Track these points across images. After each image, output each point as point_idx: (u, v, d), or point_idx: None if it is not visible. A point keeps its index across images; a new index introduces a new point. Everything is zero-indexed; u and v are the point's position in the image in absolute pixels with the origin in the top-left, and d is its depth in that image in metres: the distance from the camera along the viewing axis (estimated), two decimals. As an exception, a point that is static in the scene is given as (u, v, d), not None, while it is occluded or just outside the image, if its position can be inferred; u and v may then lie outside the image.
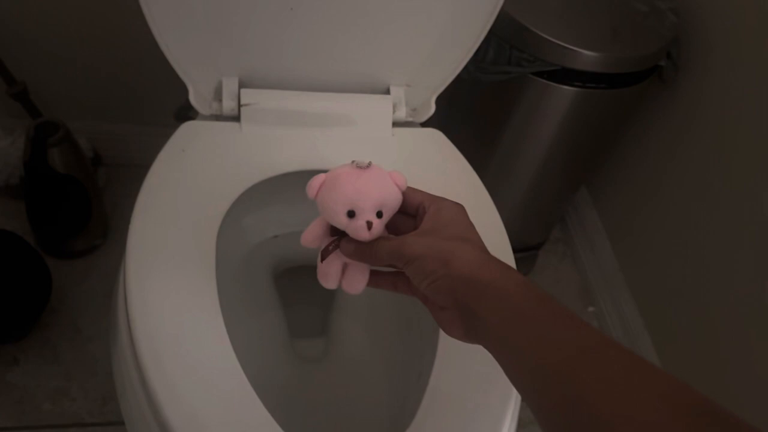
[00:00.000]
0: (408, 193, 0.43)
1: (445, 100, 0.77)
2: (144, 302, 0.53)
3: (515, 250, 0.64)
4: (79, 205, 1.02)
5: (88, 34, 1.04)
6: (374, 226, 0.41)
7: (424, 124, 0.78)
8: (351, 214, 0.41)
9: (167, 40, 0.66)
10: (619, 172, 1.22)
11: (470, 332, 0.38)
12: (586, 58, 0.86)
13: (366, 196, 0.41)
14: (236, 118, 0.71)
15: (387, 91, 0.76)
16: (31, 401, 0.95)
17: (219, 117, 0.72)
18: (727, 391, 0.92)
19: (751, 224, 0.89)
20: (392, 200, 0.42)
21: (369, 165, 0.43)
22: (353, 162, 0.43)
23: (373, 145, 0.73)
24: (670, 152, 1.07)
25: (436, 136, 0.76)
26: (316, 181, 0.43)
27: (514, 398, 0.54)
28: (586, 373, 0.30)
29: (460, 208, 0.42)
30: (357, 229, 0.41)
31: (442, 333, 0.57)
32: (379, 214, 0.42)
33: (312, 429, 0.75)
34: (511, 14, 0.87)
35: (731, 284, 0.93)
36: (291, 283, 0.89)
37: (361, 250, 0.42)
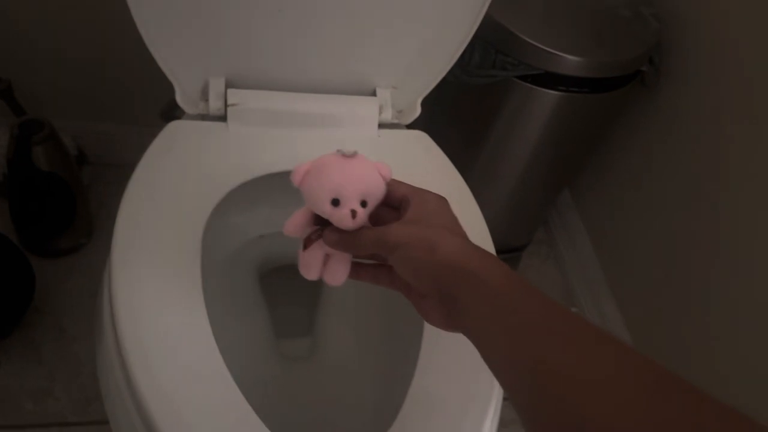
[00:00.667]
0: (392, 185, 0.44)
1: (431, 102, 0.78)
2: (129, 301, 0.53)
3: (499, 252, 0.65)
4: (64, 204, 1.02)
5: (74, 32, 1.04)
6: (358, 215, 0.41)
7: (409, 126, 0.79)
8: (335, 203, 0.41)
9: (155, 39, 0.66)
10: (601, 175, 1.23)
11: (451, 319, 0.39)
12: (570, 62, 0.88)
13: (351, 184, 0.41)
14: (223, 118, 0.71)
15: (374, 93, 0.76)
16: (13, 401, 0.94)
17: (205, 117, 0.72)
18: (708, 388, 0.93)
19: (730, 224, 0.91)
20: (377, 190, 0.43)
21: (355, 154, 0.43)
22: (338, 150, 0.43)
23: (359, 146, 0.73)
24: (650, 155, 1.08)
25: (421, 138, 0.76)
26: (300, 169, 0.43)
27: (496, 398, 0.55)
28: (563, 361, 0.31)
29: (443, 201, 0.43)
30: (341, 218, 0.41)
31: (426, 334, 0.58)
32: (364, 204, 0.42)
33: (296, 428, 0.75)
34: (496, 19, 0.88)
35: (711, 284, 0.95)
36: (277, 283, 0.89)
37: (344, 240, 0.42)
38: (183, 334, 0.52)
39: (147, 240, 0.58)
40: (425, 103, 0.77)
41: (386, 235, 0.39)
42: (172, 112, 0.83)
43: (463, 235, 0.40)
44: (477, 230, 0.66)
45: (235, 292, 0.81)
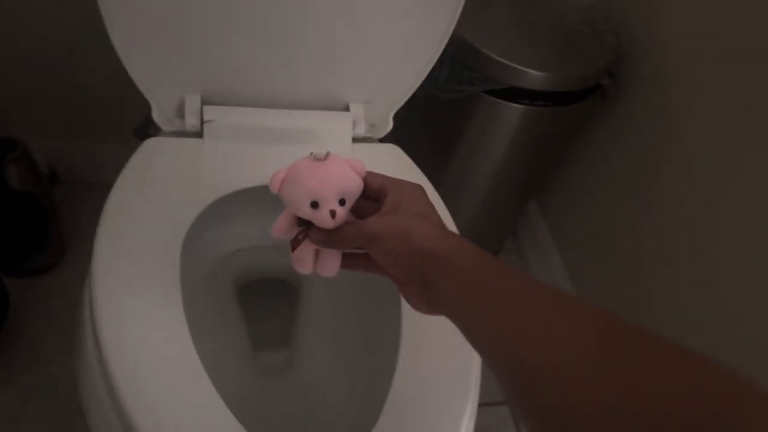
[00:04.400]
0: (369, 178, 0.46)
1: (402, 116, 0.81)
2: (111, 316, 0.54)
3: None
4: (37, 224, 1.01)
5: (46, 48, 1.04)
6: (338, 214, 0.43)
7: (382, 140, 0.81)
8: (315, 205, 0.43)
9: (130, 58, 0.67)
10: (566, 184, 1.27)
11: (431, 303, 0.41)
12: (534, 77, 0.91)
13: (327, 186, 0.43)
14: (199, 134, 0.73)
15: (346, 108, 0.79)
16: (-15, 423, 0.93)
17: (181, 133, 0.73)
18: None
19: (691, 228, 0.96)
20: (353, 187, 0.44)
21: (327, 156, 0.45)
22: (311, 154, 0.45)
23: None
24: (612, 164, 1.13)
25: (394, 151, 0.79)
26: (277, 177, 0.45)
27: (470, 408, 0.57)
28: (528, 322, 0.32)
29: (419, 189, 0.44)
30: (321, 219, 0.43)
31: (403, 344, 0.60)
32: (342, 202, 0.44)
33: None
34: (463, 36, 0.91)
35: (681, 289, 0.99)
36: (254, 296, 0.90)
37: (328, 237, 0.44)
38: (165, 347, 0.53)
39: (127, 255, 0.59)
40: (397, 116, 0.80)
41: (363, 230, 0.41)
42: (145, 129, 0.84)
43: (438, 222, 0.42)
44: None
45: (213, 305, 0.82)
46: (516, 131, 1.00)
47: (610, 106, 1.11)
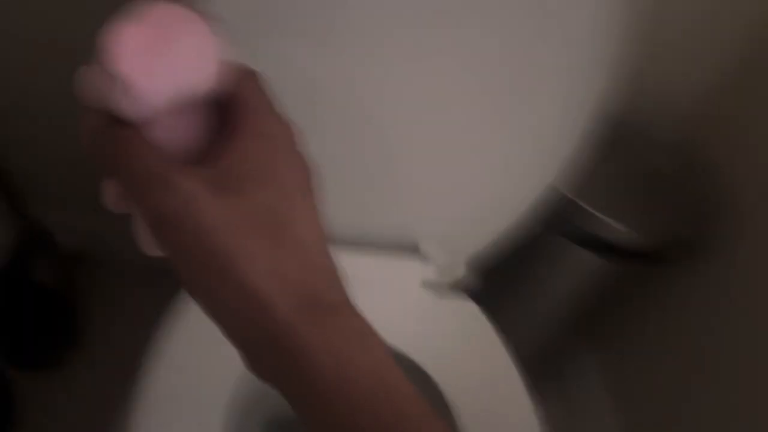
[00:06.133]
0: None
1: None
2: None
3: None
4: (56, 320, 0.93)
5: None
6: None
7: (454, 285, 0.72)
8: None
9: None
10: (626, 336, 1.16)
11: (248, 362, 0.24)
12: (619, 232, 0.83)
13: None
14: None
15: (416, 249, 0.70)
16: None
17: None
18: None
19: (751, 408, 0.83)
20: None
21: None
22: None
23: (397, 307, 0.67)
24: (682, 330, 1.01)
25: (469, 310, 0.69)
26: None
27: None
28: None
29: (289, 145, 0.24)
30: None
31: None
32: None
33: None
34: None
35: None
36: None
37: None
38: None
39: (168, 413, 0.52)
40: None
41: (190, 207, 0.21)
42: None
43: (317, 248, 0.23)
44: None
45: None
46: (585, 278, 0.92)
47: (697, 270, 0.99)
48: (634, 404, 1.13)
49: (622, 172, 0.92)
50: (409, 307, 0.68)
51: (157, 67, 0.22)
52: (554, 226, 0.85)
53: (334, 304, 0.23)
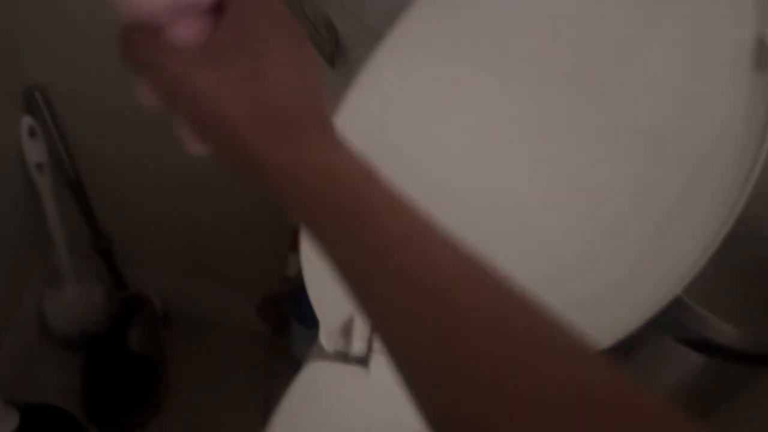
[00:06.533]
0: None
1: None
2: None
3: None
4: (146, 386, 0.94)
5: (189, 200, 1.00)
6: None
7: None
8: None
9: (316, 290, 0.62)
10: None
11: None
12: (725, 330, 0.80)
13: None
14: (364, 362, 0.65)
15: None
16: None
17: (343, 355, 0.65)
18: None
19: None
20: None
21: None
22: None
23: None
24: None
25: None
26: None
27: None
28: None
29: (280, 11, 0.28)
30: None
31: None
32: None
33: None
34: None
35: None
36: None
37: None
38: None
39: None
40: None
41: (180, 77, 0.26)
42: (270, 309, 0.78)
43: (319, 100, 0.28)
44: None
45: None
46: (689, 376, 0.88)
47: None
48: None
49: (729, 267, 0.90)
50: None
51: None
52: (660, 324, 0.83)
53: (305, 128, 0.27)
